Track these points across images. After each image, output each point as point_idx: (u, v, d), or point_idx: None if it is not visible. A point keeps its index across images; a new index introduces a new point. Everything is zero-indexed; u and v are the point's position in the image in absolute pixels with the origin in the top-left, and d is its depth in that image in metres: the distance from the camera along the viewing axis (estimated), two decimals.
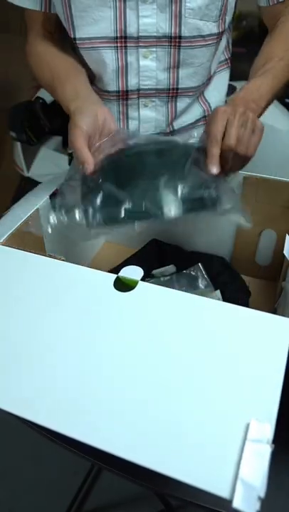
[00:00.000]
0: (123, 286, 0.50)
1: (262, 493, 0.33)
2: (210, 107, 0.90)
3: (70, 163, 1.60)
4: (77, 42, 0.76)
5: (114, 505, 1.28)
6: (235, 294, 0.71)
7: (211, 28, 0.75)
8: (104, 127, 0.67)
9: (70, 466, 1.31)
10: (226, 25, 0.79)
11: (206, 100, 0.89)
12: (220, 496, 0.33)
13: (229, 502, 0.33)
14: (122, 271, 0.51)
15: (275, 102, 1.33)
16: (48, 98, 1.61)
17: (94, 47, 0.76)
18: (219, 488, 0.34)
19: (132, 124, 0.86)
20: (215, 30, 0.76)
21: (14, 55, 2.00)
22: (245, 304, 0.72)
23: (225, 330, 0.46)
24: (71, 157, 1.63)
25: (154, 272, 0.78)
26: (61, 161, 1.63)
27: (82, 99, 0.70)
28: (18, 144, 1.63)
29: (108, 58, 0.77)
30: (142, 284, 0.50)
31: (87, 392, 0.41)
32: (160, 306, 0.49)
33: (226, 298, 0.70)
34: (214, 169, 0.61)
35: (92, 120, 0.66)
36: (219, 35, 0.78)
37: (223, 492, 0.33)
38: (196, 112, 0.89)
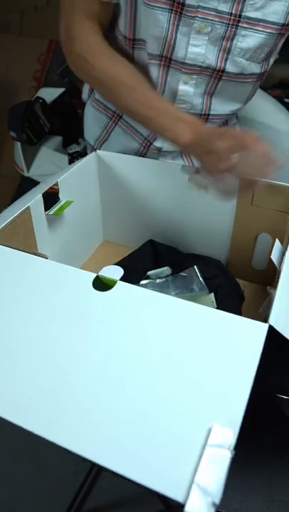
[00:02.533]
0: (102, 285, 0.50)
1: (217, 500, 0.32)
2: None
3: (70, 163, 1.61)
4: (135, 42, 0.76)
5: (114, 505, 1.28)
6: (229, 297, 0.71)
7: (254, 68, 0.76)
8: None
9: (70, 466, 1.31)
10: (269, 66, 0.79)
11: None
12: (174, 499, 0.32)
13: (182, 506, 0.32)
14: (102, 270, 0.51)
15: (275, 102, 1.33)
16: (48, 98, 1.62)
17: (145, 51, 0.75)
18: (174, 491, 0.33)
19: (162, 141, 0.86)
20: (257, 71, 0.77)
21: (14, 55, 2.01)
22: (239, 308, 0.72)
23: (197, 332, 0.45)
24: (71, 157, 1.63)
25: (150, 273, 0.78)
26: (61, 160, 1.64)
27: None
28: (18, 144, 1.63)
29: (153, 72, 0.77)
30: (121, 284, 0.50)
31: (48, 392, 0.41)
32: (137, 307, 0.49)
33: (220, 301, 0.70)
34: None
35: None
36: (261, 76, 0.79)
37: (177, 495, 0.33)
38: None
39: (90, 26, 0.73)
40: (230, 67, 0.74)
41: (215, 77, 0.76)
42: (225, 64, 0.74)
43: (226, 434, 0.36)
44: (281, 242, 0.61)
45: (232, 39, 0.71)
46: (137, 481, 0.34)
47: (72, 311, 0.49)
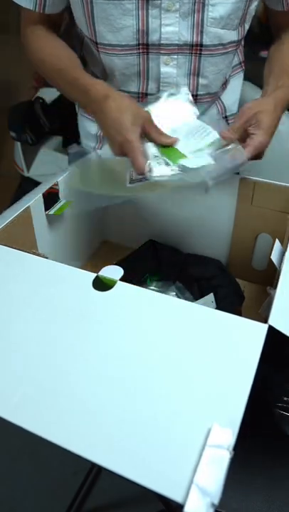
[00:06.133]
0: (102, 285, 0.50)
1: (216, 500, 0.32)
2: (225, 108, 0.91)
3: (70, 164, 1.60)
4: (98, 46, 0.77)
5: (114, 505, 1.28)
6: (229, 297, 0.71)
7: (231, 36, 0.76)
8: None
9: (70, 466, 1.31)
10: (245, 32, 0.80)
11: (222, 103, 0.90)
12: (173, 499, 0.32)
13: (182, 506, 0.32)
14: (102, 270, 0.51)
15: None
16: (48, 98, 1.61)
17: (115, 53, 0.76)
18: (173, 492, 0.33)
19: None
20: (235, 38, 0.77)
21: (14, 55, 2.00)
22: (239, 308, 0.72)
23: (196, 332, 0.45)
24: None
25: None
26: (61, 161, 1.63)
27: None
28: (18, 144, 1.63)
29: (129, 63, 0.77)
30: (121, 284, 0.50)
31: (48, 392, 0.41)
32: (137, 307, 0.49)
33: (220, 301, 0.70)
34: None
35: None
36: (239, 42, 0.79)
37: (176, 496, 0.33)
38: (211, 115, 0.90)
39: (40, 29, 0.81)
40: (207, 40, 0.74)
41: (195, 53, 0.76)
42: (201, 37, 0.74)
43: (226, 435, 0.35)
44: (281, 242, 0.61)
45: (202, 11, 0.71)
46: (136, 481, 0.34)
47: (72, 311, 0.49)
